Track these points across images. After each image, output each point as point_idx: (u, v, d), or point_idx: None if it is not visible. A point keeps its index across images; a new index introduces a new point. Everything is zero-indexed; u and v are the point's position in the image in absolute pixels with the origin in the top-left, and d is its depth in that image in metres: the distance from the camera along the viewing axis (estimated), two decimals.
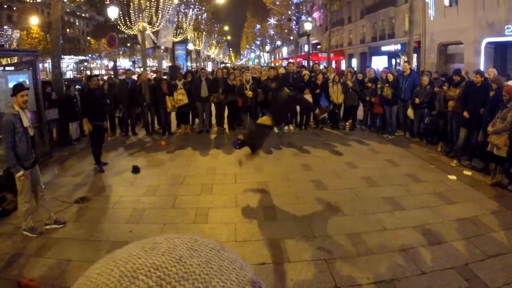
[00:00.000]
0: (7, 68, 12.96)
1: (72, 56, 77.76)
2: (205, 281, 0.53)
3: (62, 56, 15.00)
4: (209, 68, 61.86)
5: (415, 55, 24.65)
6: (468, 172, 9.11)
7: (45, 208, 6.64)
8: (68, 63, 75.85)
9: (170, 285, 0.51)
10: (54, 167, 10.30)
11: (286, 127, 14.23)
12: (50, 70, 20.16)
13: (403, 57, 25.58)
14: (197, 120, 14.79)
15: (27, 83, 10.29)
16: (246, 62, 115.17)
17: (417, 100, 11.73)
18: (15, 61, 14.34)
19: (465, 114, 9.36)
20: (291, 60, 32.00)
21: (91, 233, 6.32)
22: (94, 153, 9.86)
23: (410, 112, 12.38)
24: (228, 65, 72.77)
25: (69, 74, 64.50)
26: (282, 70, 15.05)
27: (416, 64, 26.76)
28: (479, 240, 5.81)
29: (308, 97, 13.57)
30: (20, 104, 6.22)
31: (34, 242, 6.04)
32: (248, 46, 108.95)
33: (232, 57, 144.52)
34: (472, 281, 4.74)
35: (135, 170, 9.67)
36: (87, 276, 0.58)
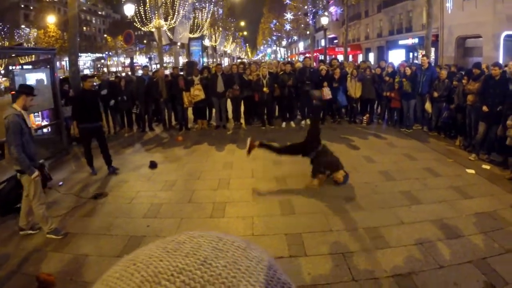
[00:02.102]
0: (24, 67, 13.13)
1: (89, 54, 78.44)
2: (233, 284, 0.50)
3: (79, 54, 15.11)
4: (225, 63, 61.97)
5: (433, 49, 24.37)
6: (486, 166, 9.02)
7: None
8: (85, 61, 76.56)
9: None
10: (71, 163, 10.43)
11: (303, 121, 14.24)
12: (68, 68, 20.37)
13: (421, 50, 25.33)
14: (214, 115, 14.83)
15: (45, 81, 10.47)
16: (263, 57, 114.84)
17: (435, 94, 11.64)
18: (33, 59, 14.52)
19: (484, 108, 9.23)
20: (307, 55, 31.92)
21: (108, 228, 6.39)
22: (86, 156, 9.55)
23: (428, 106, 12.28)
24: (245, 60, 72.73)
25: (87, 72, 65.14)
26: (299, 65, 15.01)
27: (434, 57, 26.43)
28: (497, 234, 5.77)
29: (327, 90, 13.53)
30: (26, 106, 6.05)
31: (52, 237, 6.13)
32: (264, 42, 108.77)
33: (249, 53, 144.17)
34: (490, 276, 4.71)
35: (152, 165, 9.74)
36: (106, 280, 0.54)
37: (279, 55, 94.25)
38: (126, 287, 0.50)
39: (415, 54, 34.27)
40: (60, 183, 8.64)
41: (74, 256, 5.51)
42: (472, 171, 8.66)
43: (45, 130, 11.85)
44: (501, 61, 19.49)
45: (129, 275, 0.52)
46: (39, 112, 11.07)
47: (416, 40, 33.42)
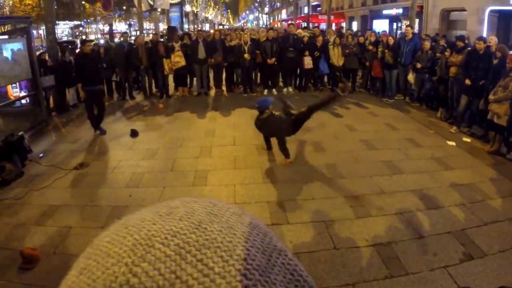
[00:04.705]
0: (0, 37, 12.69)
1: (67, 22, 76.17)
2: (229, 249, 0.48)
3: (57, 22, 14.55)
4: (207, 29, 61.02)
5: (417, 20, 24.26)
6: (467, 139, 9.08)
7: None
8: (63, 29, 74.37)
9: (190, 254, 0.46)
10: (52, 134, 10.19)
11: (285, 89, 14.16)
12: (45, 37, 19.69)
13: (405, 21, 25.24)
14: (195, 83, 14.64)
15: (22, 50, 10.15)
16: (245, 24, 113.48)
17: (418, 65, 11.60)
18: (8, 29, 14.02)
19: (467, 81, 9.22)
20: (290, 22, 31.63)
21: (90, 199, 6.30)
22: (89, 118, 9.81)
23: (410, 77, 12.28)
24: (226, 27, 71.74)
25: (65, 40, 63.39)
26: (266, 34, 14.60)
27: (417, 29, 26.36)
28: (476, 206, 5.85)
29: (308, 59, 13.43)
30: None
31: (35, 211, 5.99)
32: (246, 8, 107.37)
33: (230, 19, 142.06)
34: (468, 246, 4.79)
35: (134, 134, 9.60)
36: (96, 244, 0.53)
37: (261, 22, 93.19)
38: (118, 250, 0.48)
39: (399, 25, 34.13)
40: (41, 155, 8.41)
41: (58, 228, 5.43)
42: (453, 143, 8.73)
43: (23, 101, 11.46)
44: (484, 35, 19.50)
45: (121, 238, 0.50)
46: (17, 83, 10.76)
47: (400, 11, 33.20)
